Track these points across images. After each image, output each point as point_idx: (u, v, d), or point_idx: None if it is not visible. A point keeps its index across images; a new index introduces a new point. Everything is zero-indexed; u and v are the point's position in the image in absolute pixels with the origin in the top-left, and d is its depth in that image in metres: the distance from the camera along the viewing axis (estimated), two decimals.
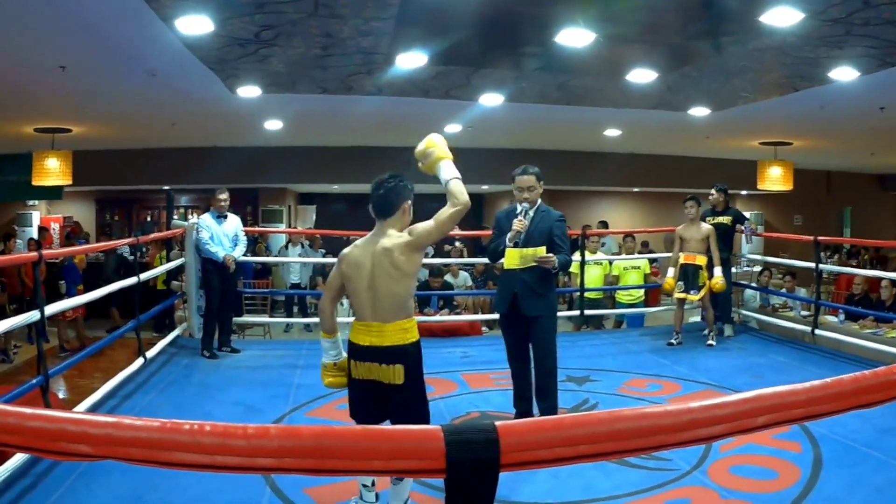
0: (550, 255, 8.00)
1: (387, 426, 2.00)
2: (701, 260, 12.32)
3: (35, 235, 23.86)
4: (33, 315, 7.95)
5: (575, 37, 10.40)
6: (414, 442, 1.87)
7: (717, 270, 12.25)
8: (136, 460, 1.86)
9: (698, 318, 13.49)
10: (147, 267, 15.56)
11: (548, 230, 8.22)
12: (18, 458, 6.75)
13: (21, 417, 1.94)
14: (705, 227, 12.56)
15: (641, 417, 1.97)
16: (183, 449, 1.84)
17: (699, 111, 15.67)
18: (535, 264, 8.01)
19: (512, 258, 8.15)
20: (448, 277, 18.86)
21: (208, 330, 11.92)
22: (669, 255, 12.99)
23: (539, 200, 8.43)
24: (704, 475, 6.79)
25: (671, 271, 12.68)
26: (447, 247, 22.05)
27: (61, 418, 1.93)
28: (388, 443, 1.88)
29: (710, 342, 12.42)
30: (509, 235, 8.17)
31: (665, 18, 10.51)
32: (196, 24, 9.74)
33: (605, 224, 23.13)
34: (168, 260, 14.92)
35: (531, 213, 8.26)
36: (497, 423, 1.87)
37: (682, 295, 12.46)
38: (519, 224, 8.09)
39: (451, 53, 11.63)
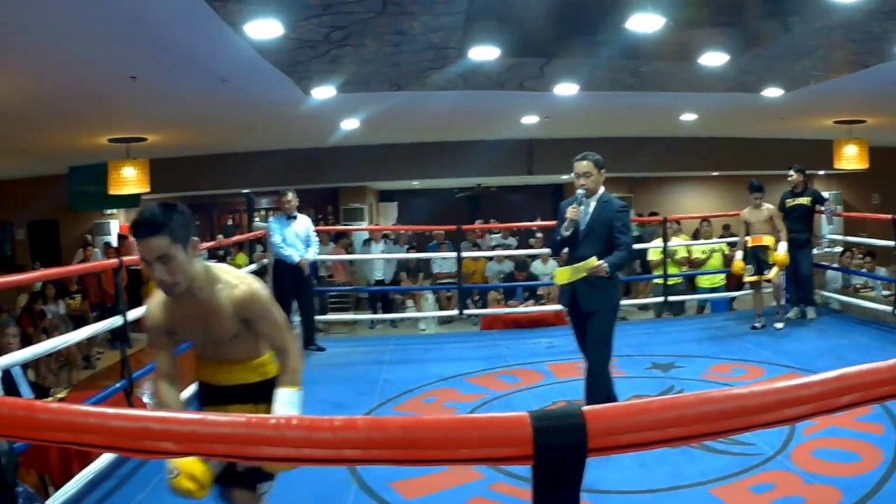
0: (601, 263, 7.63)
1: (476, 415, 1.99)
2: (768, 240, 12.35)
3: (114, 244, 24.11)
4: (116, 321, 8.06)
5: (645, 22, 10.34)
6: (501, 429, 1.87)
7: (782, 245, 12.26)
8: (221, 456, 1.88)
9: (783, 301, 13.33)
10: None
11: (609, 220, 7.85)
12: (103, 460, 6.86)
13: (103, 417, 1.96)
14: (768, 207, 12.54)
15: (729, 399, 1.96)
16: (269, 443, 1.85)
17: (772, 92, 15.53)
18: (585, 275, 7.73)
19: (562, 276, 7.95)
20: (537, 265, 18.77)
21: None
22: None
23: (602, 189, 8.01)
24: (788, 459, 6.79)
25: (739, 254, 12.71)
26: (531, 240, 22.01)
27: (145, 417, 1.94)
28: (476, 431, 1.88)
29: (777, 325, 12.38)
30: (564, 225, 7.89)
31: (733, 0, 10.47)
32: (265, 29, 9.78)
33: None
34: (251, 262, 15.11)
35: (592, 202, 7.92)
36: (584, 408, 1.86)
37: (755, 277, 12.44)
38: (572, 212, 7.84)
39: (523, 45, 11.64)
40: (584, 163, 7.94)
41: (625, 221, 7.96)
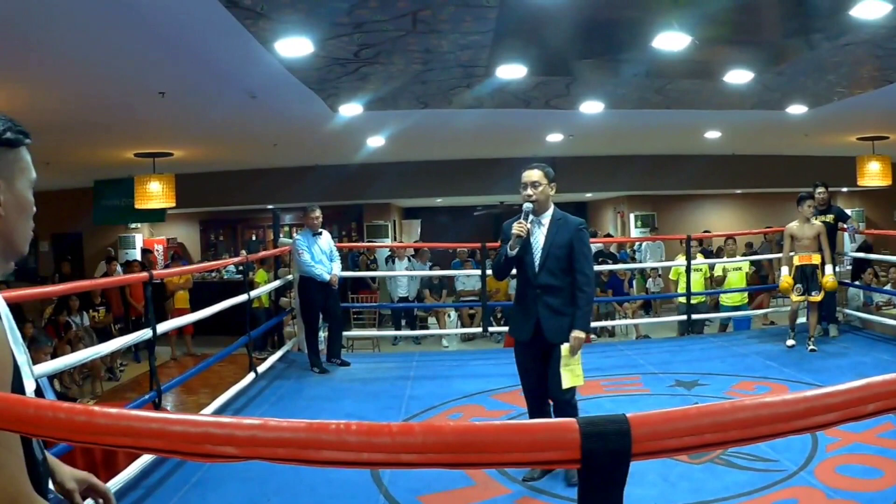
0: (576, 336, 6.89)
1: (526, 421, 2.06)
2: (817, 259, 12.19)
3: (138, 257, 24.27)
4: (145, 333, 8.15)
5: (671, 41, 10.36)
6: (551, 434, 1.94)
7: (829, 268, 12.14)
8: (282, 460, 1.93)
9: (804, 319, 13.31)
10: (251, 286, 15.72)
11: (567, 242, 7.11)
12: (130, 470, 6.95)
13: (165, 422, 2.02)
14: (817, 224, 12.37)
15: (761, 406, 2.03)
16: (330, 447, 1.91)
17: (796, 109, 15.54)
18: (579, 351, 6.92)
19: (575, 378, 6.95)
20: None
21: (312, 346, 12.08)
22: (772, 256, 12.80)
23: (552, 206, 7.31)
24: (811, 475, 6.79)
25: (785, 270, 12.49)
26: None
27: (206, 422, 2.01)
28: (527, 436, 1.95)
29: (811, 347, 12.09)
30: (510, 243, 7.10)
31: (757, 18, 10.50)
32: (296, 47, 9.87)
33: (593, 234, 23.11)
34: (274, 279, 15.20)
35: (544, 221, 7.22)
36: (628, 414, 1.93)
37: (802, 298, 12.26)
38: (518, 227, 7.05)
39: (550, 63, 11.68)
40: (534, 171, 7.25)
41: (586, 243, 7.28)
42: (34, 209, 2.49)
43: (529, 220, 7.14)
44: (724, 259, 17.15)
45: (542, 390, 7.25)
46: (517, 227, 7.04)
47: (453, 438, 1.94)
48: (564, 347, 6.85)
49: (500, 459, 1.98)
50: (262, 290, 14.51)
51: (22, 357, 2.37)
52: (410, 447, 1.91)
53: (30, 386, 2.40)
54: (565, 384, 6.88)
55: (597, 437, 1.89)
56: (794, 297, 12.34)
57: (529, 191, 7.15)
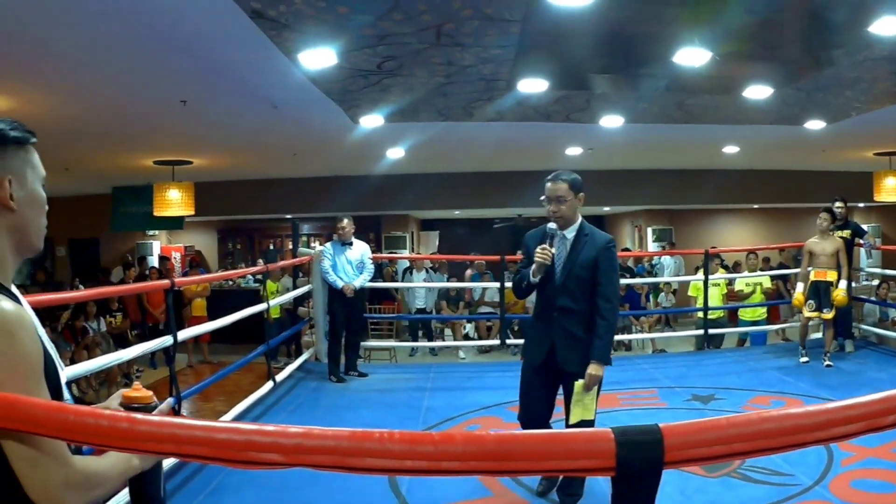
0: (593, 372, 6.26)
1: (563, 430, 2.13)
2: (832, 275, 12.14)
3: (156, 264, 24.37)
4: (167, 340, 8.19)
5: (691, 56, 10.37)
6: (587, 444, 2.02)
7: (843, 284, 12.08)
8: (326, 467, 1.99)
9: (819, 335, 13.31)
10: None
11: (592, 261, 6.41)
12: None
13: (209, 430, 2.09)
14: (837, 240, 12.37)
15: (786, 418, 2.12)
16: (373, 455, 1.97)
17: (814, 124, 15.50)
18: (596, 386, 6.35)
19: (587, 412, 6.36)
20: None
21: (333, 355, 12.12)
22: (792, 271, 12.82)
23: (580, 219, 6.58)
24: (826, 489, 6.80)
25: (800, 286, 12.52)
26: None
27: (250, 430, 2.07)
28: (564, 445, 2.02)
29: (827, 363, 12.07)
30: (532, 269, 6.44)
31: (778, 34, 10.51)
32: (319, 58, 9.86)
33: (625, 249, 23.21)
34: (284, 290, 15.22)
35: (569, 236, 6.50)
36: (661, 424, 1.99)
37: (815, 314, 12.25)
38: (541, 254, 6.34)
39: (571, 78, 11.68)
40: (558, 184, 6.44)
41: (613, 265, 6.58)
42: (46, 206, 2.61)
43: (553, 241, 6.48)
44: (745, 274, 17.14)
45: (540, 413, 6.73)
46: (540, 254, 6.33)
47: (493, 447, 2.00)
48: (578, 384, 6.26)
49: (538, 467, 2.05)
50: (281, 299, 14.50)
51: (52, 349, 2.44)
52: (452, 455, 1.97)
53: (63, 376, 2.47)
54: (573, 419, 6.38)
55: (631, 447, 1.96)
56: (806, 313, 12.36)
57: (554, 207, 6.42)
